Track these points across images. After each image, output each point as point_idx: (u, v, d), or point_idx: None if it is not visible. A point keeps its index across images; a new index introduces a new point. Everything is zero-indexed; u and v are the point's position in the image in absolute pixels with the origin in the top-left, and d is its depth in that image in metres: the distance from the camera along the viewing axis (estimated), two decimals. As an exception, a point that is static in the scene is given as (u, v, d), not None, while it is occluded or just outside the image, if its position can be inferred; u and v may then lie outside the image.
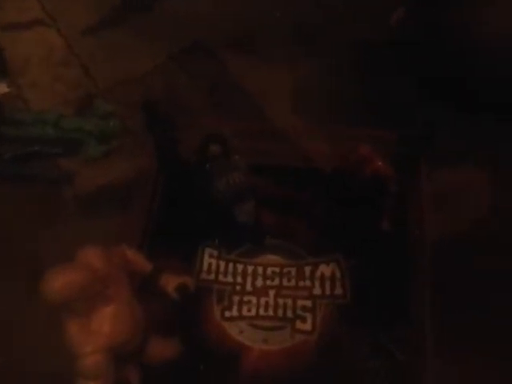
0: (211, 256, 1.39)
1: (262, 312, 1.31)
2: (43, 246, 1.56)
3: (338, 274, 1.34)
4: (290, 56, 1.96)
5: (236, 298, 1.33)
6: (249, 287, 1.34)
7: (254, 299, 1.33)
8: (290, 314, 1.30)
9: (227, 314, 1.31)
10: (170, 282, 1.16)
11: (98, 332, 0.95)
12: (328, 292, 1.32)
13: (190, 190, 1.36)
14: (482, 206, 1.55)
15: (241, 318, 1.30)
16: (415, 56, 1.71)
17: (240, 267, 1.37)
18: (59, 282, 0.90)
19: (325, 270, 1.35)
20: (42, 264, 1.19)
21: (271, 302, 1.32)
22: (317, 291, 1.32)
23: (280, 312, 1.30)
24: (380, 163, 1.29)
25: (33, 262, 1.51)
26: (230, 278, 1.36)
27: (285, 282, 1.34)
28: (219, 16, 2.07)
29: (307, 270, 1.35)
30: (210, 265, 1.37)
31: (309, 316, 1.29)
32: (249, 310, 1.31)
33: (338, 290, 1.32)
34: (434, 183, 1.46)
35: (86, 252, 0.98)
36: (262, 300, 1.32)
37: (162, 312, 1.15)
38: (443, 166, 1.52)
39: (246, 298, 1.33)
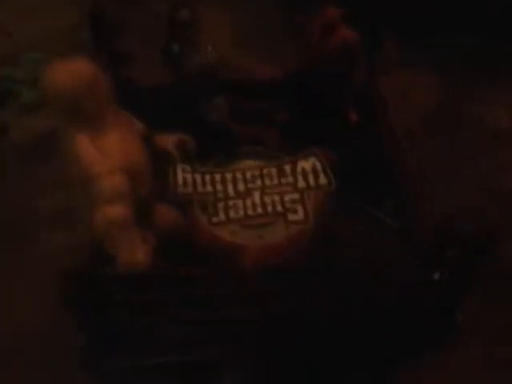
0: (185, 171, 1.31)
1: (250, 212, 1.25)
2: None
3: (318, 166, 1.32)
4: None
5: (220, 204, 1.25)
6: (231, 192, 1.28)
7: (239, 202, 1.26)
8: (279, 208, 1.25)
9: (215, 219, 1.23)
10: (168, 140, 1.07)
11: (110, 153, 0.86)
12: (312, 183, 1.30)
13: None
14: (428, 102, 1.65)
15: (230, 221, 1.23)
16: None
17: (218, 176, 1.30)
18: (67, 71, 0.80)
19: (304, 164, 1.32)
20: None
21: (258, 201, 1.27)
22: (301, 184, 1.29)
23: (269, 208, 1.25)
24: (346, 29, 1.30)
25: None
26: (209, 188, 1.28)
27: (267, 182, 1.30)
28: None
29: (287, 167, 1.32)
30: (185, 179, 1.29)
31: (299, 207, 1.25)
32: (236, 213, 1.24)
33: (323, 180, 1.30)
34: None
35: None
36: (248, 201, 1.27)
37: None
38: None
39: (231, 203, 1.26)
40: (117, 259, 0.87)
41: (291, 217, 1.25)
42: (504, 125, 1.67)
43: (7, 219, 1.26)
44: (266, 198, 1.28)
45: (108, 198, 0.84)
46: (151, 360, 1.09)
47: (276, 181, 1.31)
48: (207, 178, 1.31)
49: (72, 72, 0.84)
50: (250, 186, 1.30)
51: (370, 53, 1.34)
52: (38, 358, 1.15)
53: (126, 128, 0.94)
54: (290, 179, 1.31)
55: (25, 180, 1.41)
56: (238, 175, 1.32)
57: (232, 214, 1.25)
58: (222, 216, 1.24)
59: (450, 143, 1.55)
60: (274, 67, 1.60)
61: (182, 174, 1.30)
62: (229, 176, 1.31)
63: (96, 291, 0.84)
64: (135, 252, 0.89)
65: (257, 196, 1.29)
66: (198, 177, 1.31)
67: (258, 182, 1.31)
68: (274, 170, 1.33)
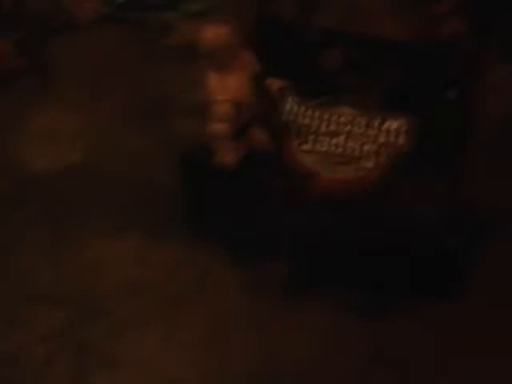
0: (294, 101, 1.60)
1: (333, 149, 1.54)
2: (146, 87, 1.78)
3: (403, 128, 1.54)
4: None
5: (311, 137, 1.55)
6: (323, 129, 1.57)
7: (326, 139, 1.55)
8: (356, 153, 1.53)
9: (303, 147, 1.54)
10: (274, 84, 1.42)
11: (230, 87, 1.25)
12: (392, 141, 1.53)
13: (286, 38, 1.56)
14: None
15: (314, 151, 1.53)
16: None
17: (317, 113, 1.59)
18: (214, 32, 1.18)
19: (391, 124, 1.55)
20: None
21: (341, 142, 1.54)
22: (382, 139, 1.54)
23: (348, 151, 1.53)
24: (459, 22, 1.44)
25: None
26: (307, 121, 1.58)
27: (355, 129, 1.56)
28: None
29: (376, 122, 1.56)
30: (291, 108, 1.60)
31: (373, 157, 1.52)
32: (322, 146, 1.54)
33: (401, 141, 1.53)
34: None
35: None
36: (334, 140, 1.55)
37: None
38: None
39: (320, 138, 1.55)
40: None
41: (364, 163, 1.52)
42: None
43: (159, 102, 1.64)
44: (348, 142, 1.55)
45: (217, 117, 1.21)
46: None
47: (362, 130, 1.57)
48: (309, 111, 1.60)
49: (213, 35, 1.17)
50: (340, 128, 1.57)
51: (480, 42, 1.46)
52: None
53: (245, 69, 1.31)
54: (375, 132, 1.56)
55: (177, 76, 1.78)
56: (334, 117, 1.59)
57: (318, 146, 1.55)
58: (309, 145, 1.55)
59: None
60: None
61: (291, 104, 1.61)
62: (326, 115, 1.59)
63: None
64: (226, 156, 1.30)
65: (342, 138, 1.56)
66: (302, 109, 1.60)
67: (348, 127, 1.57)
68: (363, 121, 1.57)
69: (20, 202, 1.60)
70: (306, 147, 1.56)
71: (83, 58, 1.86)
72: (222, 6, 1.88)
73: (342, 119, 1.59)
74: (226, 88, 1.26)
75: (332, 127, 1.58)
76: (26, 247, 1.52)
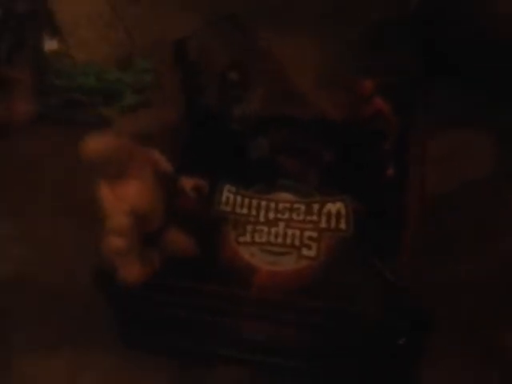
0: (230, 191, 1.54)
1: (272, 239, 1.45)
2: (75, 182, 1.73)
3: (343, 212, 1.47)
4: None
5: (249, 227, 1.47)
6: (262, 218, 1.49)
7: (265, 228, 1.47)
8: (297, 242, 1.44)
9: (241, 239, 1.46)
10: (188, 183, 1.33)
11: (126, 198, 1.15)
12: (333, 226, 1.46)
13: (211, 129, 1.52)
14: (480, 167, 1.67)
15: (253, 243, 1.45)
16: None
17: (255, 202, 1.52)
18: (97, 142, 1.09)
19: (331, 207, 1.48)
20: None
21: (281, 231, 1.47)
22: (323, 225, 1.46)
23: (288, 240, 1.45)
24: (381, 101, 1.42)
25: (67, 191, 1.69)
26: (245, 210, 1.51)
27: (294, 216, 1.49)
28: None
29: (315, 206, 1.49)
30: (227, 198, 1.53)
31: (314, 244, 1.43)
32: (260, 237, 1.46)
33: (342, 225, 1.45)
34: (435, 143, 1.60)
35: (118, 137, 1.18)
36: (273, 230, 1.47)
37: (182, 210, 1.32)
38: (443, 128, 1.66)
39: (258, 227, 1.48)
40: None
41: (305, 252, 1.43)
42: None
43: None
44: (288, 230, 1.47)
45: (112, 232, 1.12)
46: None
47: (302, 216, 1.49)
48: (246, 201, 1.53)
49: (95, 146, 1.10)
50: (279, 216, 1.50)
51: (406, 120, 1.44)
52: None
53: (148, 174, 1.21)
54: (315, 218, 1.48)
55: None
56: (272, 205, 1.52)
57: (257, 237, 1.46)
58: (248, 237, 1.47)
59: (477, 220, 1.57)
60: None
61: (227, 194, 1.55)
62: (263, 203, 1.52)
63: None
64: (130, 272, 1.17)
65: (282, 226, 1.48)
66: (239, 198, 1.53)
67: (287, 215, 1.50)
68: (303, 207, 1.50)
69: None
70: (244, 239, 1.48)
71: (18, 159, 1.81)
72: (154, 99, 1.88)
73: (280, 206, 1.52)
74: (121, 198, 1.16)
75: (270, 215, 1.51)
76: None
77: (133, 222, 1.15)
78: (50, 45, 2.09)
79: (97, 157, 1.12)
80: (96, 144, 1.14)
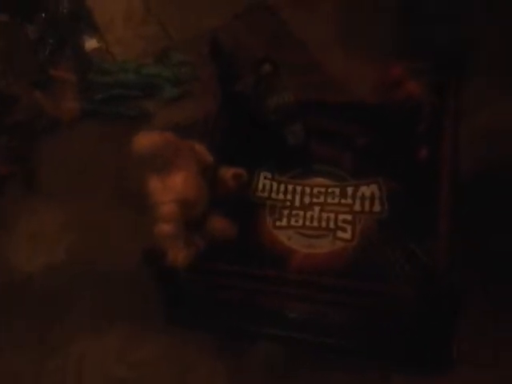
0: (266, 178, 1.60)
1: (307, 223, 1.51)
2: (125, 173, 1.84)
3: (377, 194, 1.51)
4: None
5: (286, 212, 1.53)
6: (297, 203, 1.55)
7: (301, 213, 1.53)
8: (332, 225, 1.49)
9: (278, 223, 1.52)
10: (227, 172, 1.41)
11: (173, 187, 1.24)
12: (367, 209, 1.50)
13: (247, 119, 1.58)
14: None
15: (289, 227, 1.51)
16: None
17: (290, 187, 1.58)
18: (145, 137, 1.18)
19: (365, 190, 1.52)
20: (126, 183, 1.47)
21: (316, 215, 1.52)
22: (357, 208, 1.50)
23: (323, 223, 1.50)
24: (412, 84, 1.43)
25: (117, 181, 1.80)
26: (281, 196, 1.57)
27: (329, 200, 1.53)
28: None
29: (349, 190, 1.54)
30: (264, 185, 1.59)
31: (348, 227, 1.48)
32: (296, 221, 1.51)
33: (377, 207, 1.49)
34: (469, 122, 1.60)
35: (164, 133, 1.26)
36: (308, 214, 1.52)
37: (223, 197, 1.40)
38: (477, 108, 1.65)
39: (294, 212, 1.53)
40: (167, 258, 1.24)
41: (340, 234, 1.48)
42: None
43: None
44: (323, 214, 1.52)
45: (161, 218, 1.21)
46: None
47: (337, 200, 1.54)
48: (282, 186, 1.59)
49: (145, 142, 1.18)
50: (314, 200, 1.55)
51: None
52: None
53: (192, 165, 1.29)
54: (349, 201, 1.52)
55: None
56: (307, 189, 1.57)
57: (293, 221, 1.52)
58: (284, 222, 1.53)
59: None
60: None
61: (263, 180, 1.61)
62: (299, 188, 1.57)
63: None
64: (178, 255, 1.27)
65: (317, 210, 1.53)
66: (275, 184, 1.59)
67: (322, 199, 1.55)
68: (337, 190, 1.55)
69: (6, 303, 1.63)
70: (280, 223, 1.54)
71: (67, 156, 1.93)
72: (193, 91, 1.95)
73: (315, 190, 1.57)
74: (168, 188, 1.25)
75: (306, 200, 1.57)
76: (11, 349, 1.53)
77: (179, 210, 1.24)
78: (90, 43, 2.19)
79: (145, 152, 1.21)
80: (144, 141, 1.22)
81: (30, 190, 1.81)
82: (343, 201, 1.53)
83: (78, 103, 1.96)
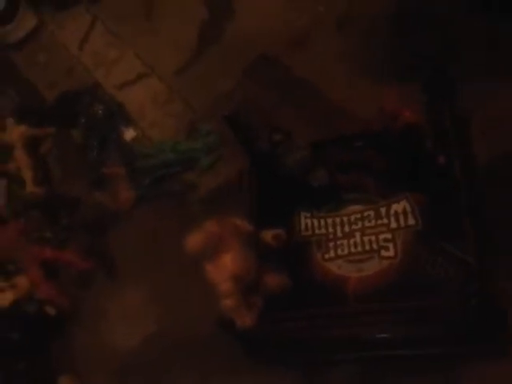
0: (306, 217, 1.77)
1: (352, 250, 1.66)
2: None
3: (408, 208, 1.64)
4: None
5: (331, 244, 1.70)
6: (339, 233, 1.71)
7: (345, 241, 1.69)
8: (375, 246, 1.64)
9: (326, 256, 1.69)
10: (267, 235, 1.61)
11: (224, 267, 1.48)
12: (403, 224, 1.63)
13: (275, 174, 1.77)
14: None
15: (337, 257, 1.67)
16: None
17: (329, 220, 1.74)
18: (192, 239, 1.42)
19: (397, 207, 1.66)
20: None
21: (358, 240, 1.67)
22: (393, 225, 1.64)
23: (367, 246, 1.65)
24: (407, 114, 1.56)
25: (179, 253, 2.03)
26: (323, 230, 1.74)
27: (366, 224, 1.68)
28: (272, 25, 2.42)
29: (382, 210, 1.68)
30: (306, 224, 1.77)
31: (390, 245, 1.62)
32: (342, 250, 1.67)
33: (411, 221, 1.62)
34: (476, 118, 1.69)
35: (208, 222, 1.50)
36: (351, 241, 1.68)
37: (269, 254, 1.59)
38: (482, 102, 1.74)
39: (338, 242, 1.69)
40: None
41: (384, 253, 1.62)
42: None
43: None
44: (364, 238, 1.67)
45: (222, 295, 1.42)
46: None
47: (373, 222, 1.68)
48: (322, 221, 1.75)
49: (195, 242, 1.42)
50: (353, 227, 1.70)
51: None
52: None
53: (236, 242, 1.53)
54: (385, 220, 1.66)
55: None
56: (345, 219, 1.73)
57: (339, 251, 1.68)
58: (331, 253, 1.69)
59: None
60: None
61: (304, 220, 1.78)
62: (337, 220, 1.73)
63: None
64: (245, 320, 1.50)
65: (358, 236, 1.68)
66: (316, 221, 1.76)
67: (360, 224, 1.70)
68: (372, 213, 1.69)
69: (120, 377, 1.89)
70: (328, 256, 1.70)
71: (135, 239, 2.19)
72: (225, 155, 2.16)
73: (352, 218, 1.72)
74: (221, 269, 1.49)
75: (346, 229, 1.72)
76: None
77: (234, 284, 1.47)
78: (128, 134, 2.46)
79: (196, 251, 1.47)
80: (192, 242, 1.49)
81: (112, 278, 2.08)
82: (379, 221, 1.68)
83: (132, 192, 2.23)
